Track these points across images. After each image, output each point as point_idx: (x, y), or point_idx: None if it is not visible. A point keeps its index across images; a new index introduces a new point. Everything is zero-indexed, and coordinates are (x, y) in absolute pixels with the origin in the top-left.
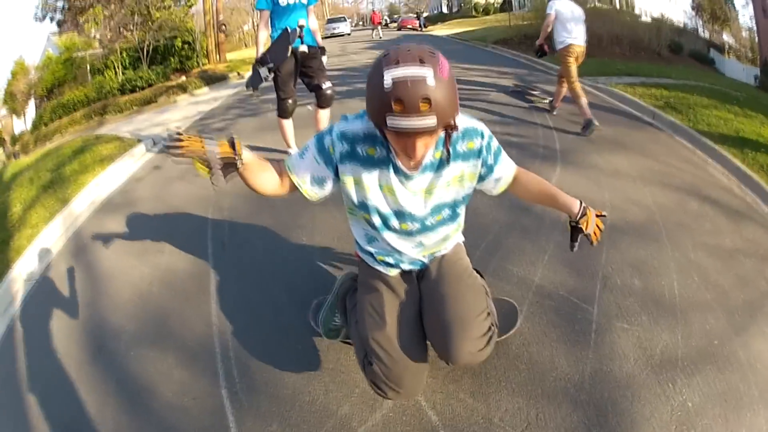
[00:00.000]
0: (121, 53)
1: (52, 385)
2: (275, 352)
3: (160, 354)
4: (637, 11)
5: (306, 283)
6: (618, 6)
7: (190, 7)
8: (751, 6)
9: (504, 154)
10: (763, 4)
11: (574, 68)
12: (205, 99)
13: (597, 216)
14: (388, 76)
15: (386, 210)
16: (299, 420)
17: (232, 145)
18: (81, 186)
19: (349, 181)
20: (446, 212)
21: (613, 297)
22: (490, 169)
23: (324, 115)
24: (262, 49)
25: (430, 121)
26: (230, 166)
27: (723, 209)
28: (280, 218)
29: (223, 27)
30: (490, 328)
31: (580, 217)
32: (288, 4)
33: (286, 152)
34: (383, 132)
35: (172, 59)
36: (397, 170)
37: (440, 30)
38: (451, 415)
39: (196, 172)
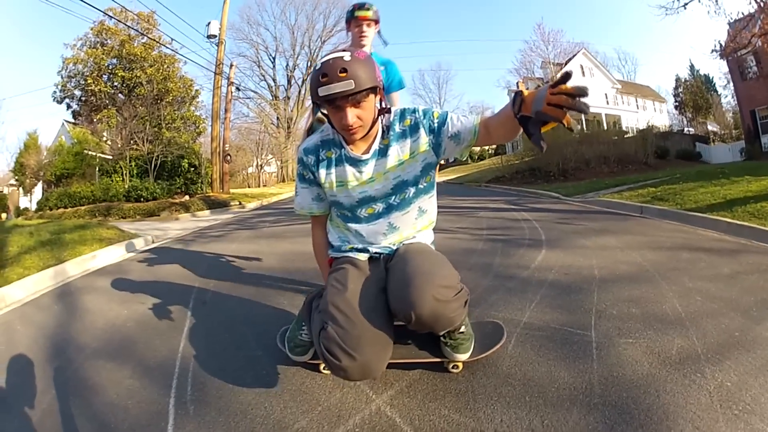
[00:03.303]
0: (130, 161)
1: (9, 382)
2: (236, 374)
3: (117, 366)
4: (624, 128)
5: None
6: (605, 127)
7: (199, 134)
8: (731, 84)
9: (455, 115)
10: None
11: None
12: (206, 219)
13: (552, 90)
14: (319, 63)
15: (351, 201)
16: (247, 431)
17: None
18: (78, 254)
19: (323, 184)
20: (410, 191)
21: (611, 323)
22: (438, 130)
23: None
24: None
25: (348, 84)
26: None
27: (717, 252)
28: (265, 290)
29: (228, 157)
30: (460, 286)
31: (521, 104)
32: None
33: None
34: (327, 116)
35: (178, 179)
36: (351, 162)
37: (437, 177)
38: (432, 431)
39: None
